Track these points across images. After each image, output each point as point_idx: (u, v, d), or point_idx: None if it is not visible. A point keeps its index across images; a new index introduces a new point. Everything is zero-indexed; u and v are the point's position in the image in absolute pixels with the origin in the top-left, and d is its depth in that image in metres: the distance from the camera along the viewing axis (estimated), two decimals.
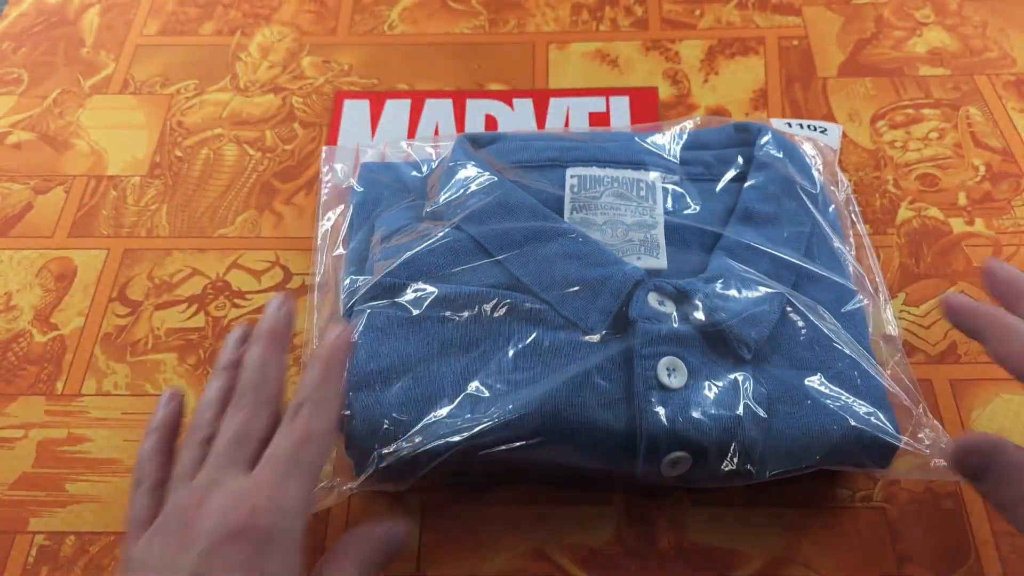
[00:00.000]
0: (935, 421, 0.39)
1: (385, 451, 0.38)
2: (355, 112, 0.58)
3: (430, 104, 0.58)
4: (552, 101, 0.58)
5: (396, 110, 0.58)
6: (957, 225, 0.51)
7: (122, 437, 0.44)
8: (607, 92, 0.59)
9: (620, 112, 0.57)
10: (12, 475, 0.43)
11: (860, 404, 0.39)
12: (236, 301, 0.49)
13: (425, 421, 0.38)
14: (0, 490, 0.43)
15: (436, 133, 0.56)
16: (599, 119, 0.57)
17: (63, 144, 0.57)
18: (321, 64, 0.61)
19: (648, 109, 0.58)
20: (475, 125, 0.57)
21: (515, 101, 0.58)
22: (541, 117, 0.57)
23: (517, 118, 0.57)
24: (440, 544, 0.40)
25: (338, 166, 0.51)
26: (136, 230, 0.52)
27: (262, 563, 0.30)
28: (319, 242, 0.48)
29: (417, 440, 0.38)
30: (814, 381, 0.39)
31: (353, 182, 0.49)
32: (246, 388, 0.35)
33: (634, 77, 0.59)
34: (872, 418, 0.38)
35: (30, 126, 0.58)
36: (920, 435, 0.39)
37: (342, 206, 0.49)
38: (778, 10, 0.63)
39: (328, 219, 0.48)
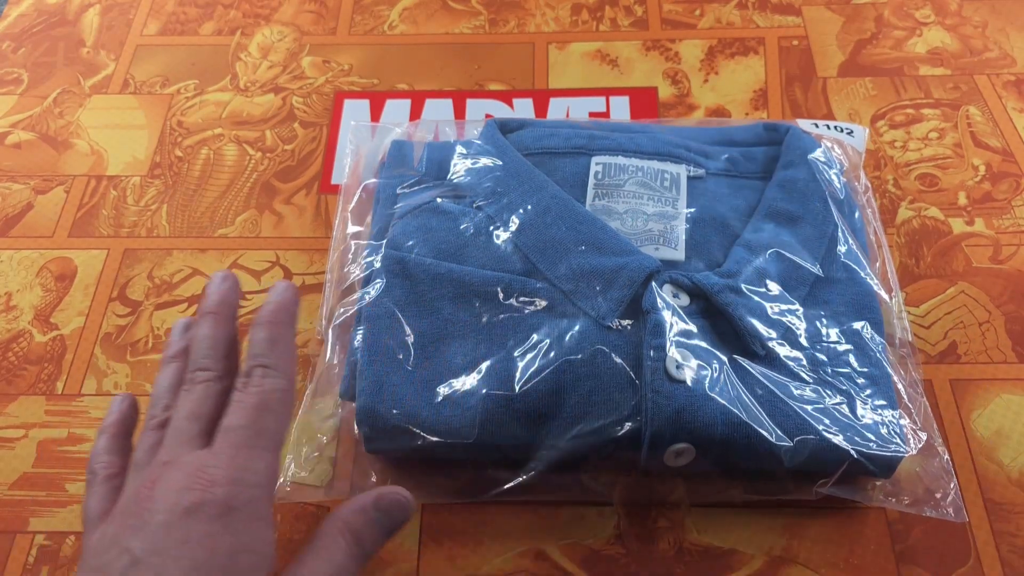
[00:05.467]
0: (946, 458, 0.40)
1: (393, 425, 0.38)
2: (355, 112, 0.58)
3: (430, 104, 0.58)
4: (552, 101, 0.58)
5: (396, 110, 0.58)
6: (957, 225, 0.51)
7: None
8: (607, 92, 0.59)
9: (620, 112, 0.57)
10: (12, 475, 0.43)
11: (865, 418, 0.39)
12: None
13: (433, 399, 0.39)
14: (0, 490, 0.43)
15: (436, 134, 0.56)
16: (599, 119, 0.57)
17: (63, 144, 0.57)
18: (321, 64, 0.61)
19: (648, 109, 0.58)
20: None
21: (515, 101, 0.58)
22: (541, 117, 0.57)
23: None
24: (440, 544, 0.40)
25: (363, 146, 0.52)
26: (136, 230, 0.52)
27: (225, 537, 0.29)
28: (337, 225, 0.48)
29: (424, 416, 0.38)
30: (824, 387, 0.39)
31: (380, 161, 0.50)
32: (195, 366, 0.34)
33: (634, 77, 0.59)
34: (875, 436, 0.38)
35: (30, 126, 0.58)
36: (928, 465, 0.40)
37: (360, 190, 0.49)
38: (778, 10, 0.63)
39: (348, 206, 0.49)
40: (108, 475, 0.34)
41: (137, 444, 0.34)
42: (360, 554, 0.33)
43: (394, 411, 0.38)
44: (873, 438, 0.38)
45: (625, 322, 0.40)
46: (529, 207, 0.43)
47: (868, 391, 0.40)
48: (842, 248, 0.44)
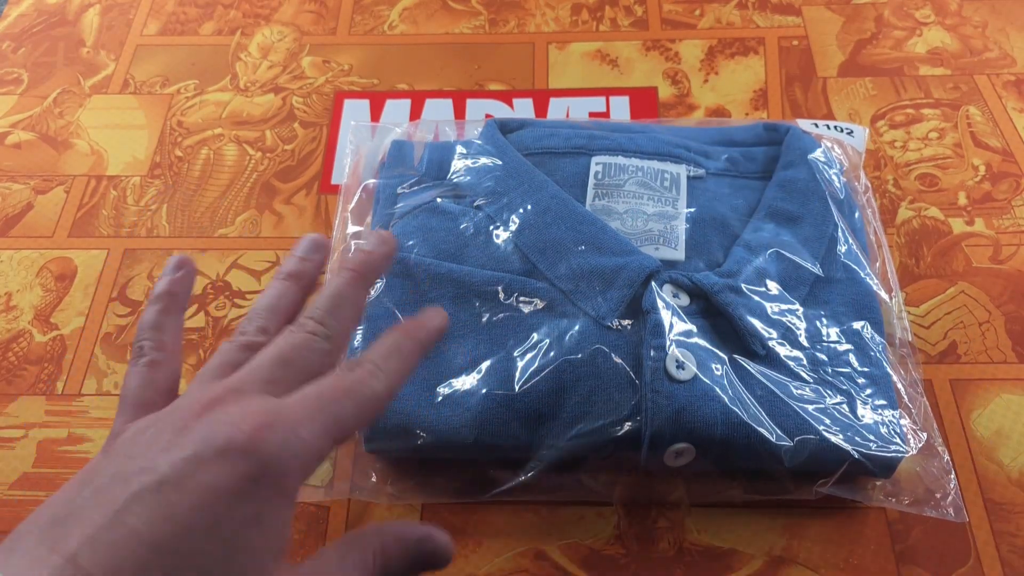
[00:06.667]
0: (945, 457, 0.40)
1: (393, 425, 0.38)
2: (355, 112, 0.58)
3: (430, 104, 0.58)
4: (552, 101, 0.58)
5: (396, 110, 0.58)
6: (957, 225, 0.51)
7: None
8: (607, 92, 0.59)
9: (620, 112, 0.57)
10: (12, 475, 0.43)
11: (865, 418, 0.39)
12: (236, 301, 0.49)
13: (433, 399, 0.39)
14: (0, 490, 0.43)
15: (436, 134, 0.56)
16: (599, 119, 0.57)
17: (63, 144, 0.57)
18: (321, 64, 0.61)
19: (648, 109, 0.58)
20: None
21: (515, 101, 0.58)
22: (541, 117, 0.57)
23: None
24: None
25: (363, 146, 0.52)
26: (136, 230, 0.52)
27: (250, 492, 0.25)
28: (337, 225, 0.48)
29: (424, 416, 0.38)
30: (824, 387, 0.39)
31: (380, 160, 0.50)
32: (316, 311, 0.30)
33: (634, 77, 0.59)
34: (875, 436, 0.38)
35: (30, 126, 0.58)
36: (928, 465, 0.40)
37: (360, 190, 0.49)
38: (778, 10, 0.63)
39: (348, 206, 0.49)
40: (152, 360, 0.31)
41: (216, 353, 0.31)
42: None
43: (394, 411, 0.38)
44: (873, 438, 0.38)
45: (625, 322, 0.40)
46: (529, 207, 0.43)
47: (868, 391, 0.40)
48: (842, 248, 0.44)
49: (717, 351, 0.39)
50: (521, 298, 0.41)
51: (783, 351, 0.40)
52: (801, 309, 0.41)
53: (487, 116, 0.57)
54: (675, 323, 0.39)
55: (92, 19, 0.65)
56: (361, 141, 0.52)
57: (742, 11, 0.63)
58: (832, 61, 0.60)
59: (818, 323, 0.41)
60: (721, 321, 0.40)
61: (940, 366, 0.45)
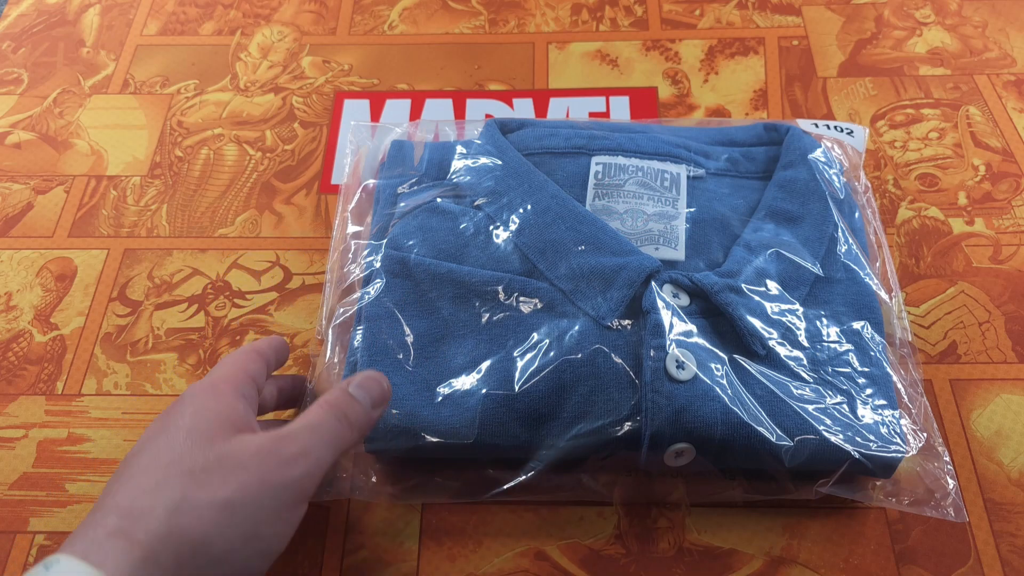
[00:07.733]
0: (945, 459, 0.40)
1: (393, 425, 0.38)
2: (355, 112, 0.58)
3: (430, 104, 0.58)
4: (552, 101, 0.58)
5: (396, 110, 0.58)
6: (957, 225, 0.51)
7: (122, 437, 0.44)
8: (607, 92, 0.59)
9: (620, 112, 0.57)
10: (12, 475, 0.43)
11: (866, 418, 0.39)
12: (236, 301, 0.49)
13: (433, 399, 0.39)
14: (0, 490, 0.43)
15: (436, 134, 0.56)
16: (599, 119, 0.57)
17: (63, 144, 0.57)
18: (321, 64, 0.61)
19: (648, 109, 0.58)
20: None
21: (515, 101, 0.58)
22: (541, 117, 0.57)
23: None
24: (440, 544, 0.40)
25: (363, 146, 0.52)
26: (136, 230, 0.52)
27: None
28: (337, 225, 0.48)
29: (424, 416, 0.38)
30: (824, 387, 0.39)
31: (381, 161, 0.50)
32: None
33: (634, 77, 0.59)
34: (875, 436, 0.38)
35: (30, 126, 0.58)
36: (928, 466, 0.40)
37: (360, 190, 0.49)
38: (778, 10, 0.63)
39: (348, 206, 0.49)
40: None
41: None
42: (349, 430, 0.35)
43: (394, 411, 0.38)
44: (873, 438, 0.38)
45: (625, 322, 0.40)
46: (529, 207, 0.43)
47: (868, 391, 0.40)
48: (842, 248, 0.44)
49: (717, 351, 0.39)
50: (521, 298, 0.41)
51: (783, 351, 0.40)
52: (801, 309, 0.41)
53: (487, 116, 0.57)
54: (675, 323, 0.39)
55: (92, 19, 0.65)
56: (361, 141, 0.52)
57: (742, 11, 0.63)
58: (832, 61, 0.60)
59: (818, 323, 0.41)
60: (721, 321, 0.40)
61: (940, 366, 0.45)
